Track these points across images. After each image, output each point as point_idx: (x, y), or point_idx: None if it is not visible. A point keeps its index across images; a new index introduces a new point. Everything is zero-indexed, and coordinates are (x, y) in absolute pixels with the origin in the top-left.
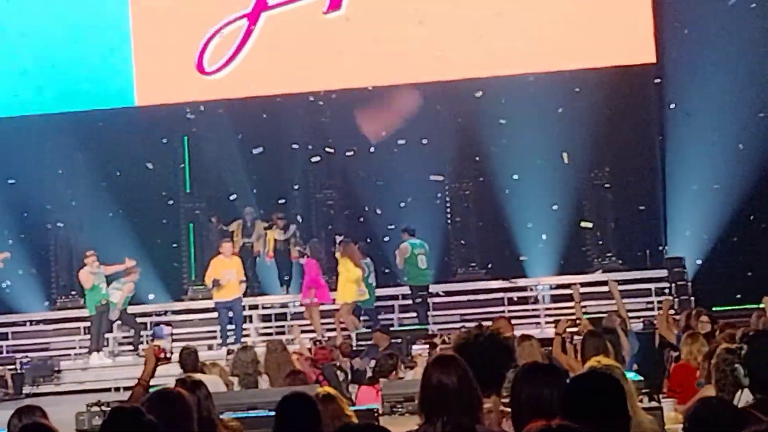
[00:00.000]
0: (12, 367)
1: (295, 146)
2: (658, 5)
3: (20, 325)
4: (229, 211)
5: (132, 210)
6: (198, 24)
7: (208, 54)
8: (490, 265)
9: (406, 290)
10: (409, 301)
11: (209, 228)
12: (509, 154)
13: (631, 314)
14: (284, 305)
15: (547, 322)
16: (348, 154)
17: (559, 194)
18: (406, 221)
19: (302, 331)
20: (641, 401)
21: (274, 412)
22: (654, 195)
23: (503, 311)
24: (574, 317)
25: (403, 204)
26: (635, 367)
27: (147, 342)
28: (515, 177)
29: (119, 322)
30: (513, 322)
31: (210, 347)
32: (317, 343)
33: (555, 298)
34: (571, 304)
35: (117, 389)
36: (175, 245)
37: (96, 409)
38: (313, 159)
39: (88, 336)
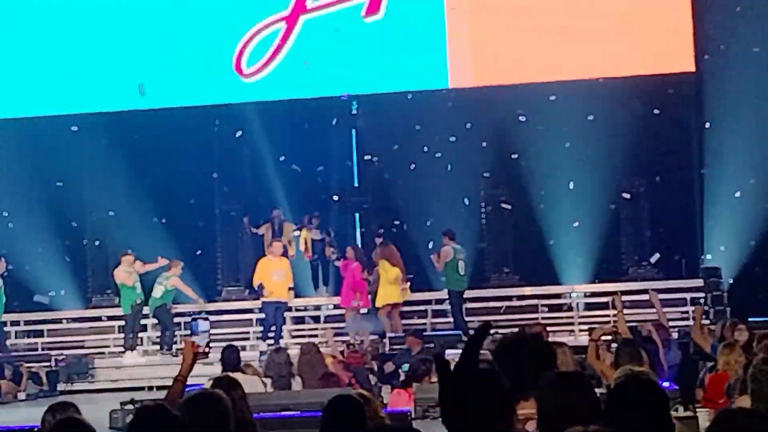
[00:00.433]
0: (47, 364)
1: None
2: (697, 13)
3: (56, 323)
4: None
5: (168, 211)
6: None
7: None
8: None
9: (438, 295)
10: (441, 306)
11: (243, 230)
12: (544, 160)
13: None
14: (317, 307)
15: (580, 330)
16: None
17: (593, 202)
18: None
19: (335, 334)
20: (675, 410)
21: (320, 413)
22: (691, 203)
23: (536, 318)
24: (614, 327)
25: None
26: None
27: (180, 341)
28: (550, 184)
29: (154, 318)
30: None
31: (243, 348)
32: (350, 346)
33: (589, 306)
34: (606, 312)
35: (150, 388)
36: (208, 246)
37: (129, 407)
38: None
39: (122, 335)
